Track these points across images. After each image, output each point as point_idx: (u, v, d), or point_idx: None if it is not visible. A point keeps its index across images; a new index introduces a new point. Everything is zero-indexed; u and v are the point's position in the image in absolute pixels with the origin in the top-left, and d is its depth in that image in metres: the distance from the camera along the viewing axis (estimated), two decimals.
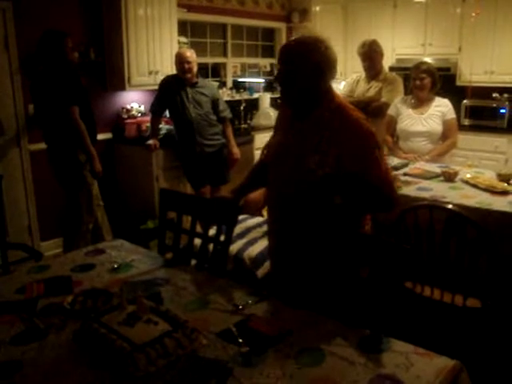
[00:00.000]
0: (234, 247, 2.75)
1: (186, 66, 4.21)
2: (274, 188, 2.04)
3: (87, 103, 3.75)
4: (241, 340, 1.50)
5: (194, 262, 2.40)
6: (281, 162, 1.97)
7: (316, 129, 1.87)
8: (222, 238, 2.26)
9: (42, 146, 3.89)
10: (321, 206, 1.90)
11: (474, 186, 3.14)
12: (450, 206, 2.51)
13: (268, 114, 6.01)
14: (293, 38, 1.97)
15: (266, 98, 6.27)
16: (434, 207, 2.52)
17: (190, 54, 4.28)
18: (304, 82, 1.86)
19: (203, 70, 5.79)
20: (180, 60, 4.24)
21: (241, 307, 1.72)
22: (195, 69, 4.31)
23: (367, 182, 1.82)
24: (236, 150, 4.57)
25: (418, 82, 3.87)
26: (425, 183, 3.25)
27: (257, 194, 2.80)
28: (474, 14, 3.87)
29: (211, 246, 2.34)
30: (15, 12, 4.01)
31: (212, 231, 2.38)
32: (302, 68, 1.83)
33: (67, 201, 3.86)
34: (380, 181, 1.84)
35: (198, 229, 2.43)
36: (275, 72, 6.89)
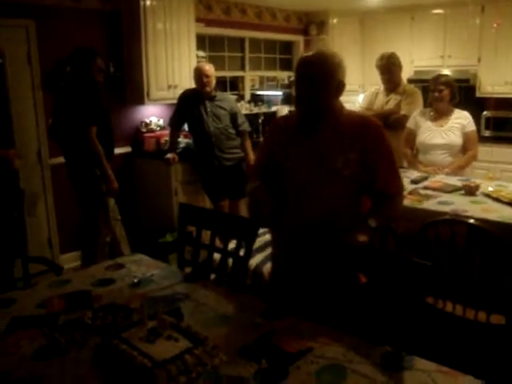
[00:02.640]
0: (253, 261, 2.74)
1: (205, 79, 4.25)
2: (294, 197, 2.01)
3: (107, 122, 3.80)
4: (261, 357, 1.49)
5: (213, 276, 2.40)
6: (300, 173, 1.95)
7: (335, 131, 1.91)
8: (242, 252, 2.26)
9: (62, 159, 3.95)
10: (348, 212, 1.91)
11: (497, 199, 3.09)
12: (471, 221, 2.48)
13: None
14: (310, 53, 1.92)
15: (284, 111, 6.28)
16: (456, 222, 2.48)
17: (209, 67, 4.32)
18: (328, 99, 1.89)
19: (221, 83, 5.83)
20: (199, 74, 4.28)
21: (261, 323, 1.71)
22: (214, 82, 4.35)
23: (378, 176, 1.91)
24: None
25: (436, 94, 3.85)
26: (445, 197, 3.20)
27: None
28: (495, 25, 3.82)
29: (230, 261, 2.34)
30: (38, 28, 4.10)
31: (231, 245, 2.37)
32: (328, 86, 1.86)
33: (84, 214, 3.91)
34: (392, 171, 1.95)
35: (217, 243, 2.43)
36: (294, 86, 6.93)
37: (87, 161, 3.71)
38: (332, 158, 1.88)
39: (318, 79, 1.84)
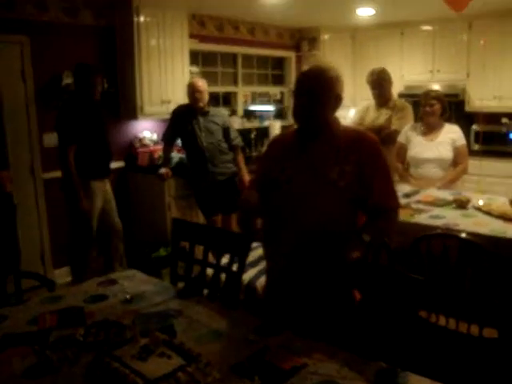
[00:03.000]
0: (246, 276, 2.74)
1: (198, 95, 4.27)
2: (290, 209, 2.02)
3: (99, 138, 3.82)
4: (255, 374, 1.49)
5: (206, 291, 2.39)
6: (297, 185, 1.96)
7: (331, 144, 1.94)
8: (235, 267, 2.26)
9: (55, 174, 3.95)
10: (344, 223, 1.94)
11: (487, 213, 3.12)
12: (463, 235, 2.49)
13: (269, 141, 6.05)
14: (309, 68, 1.97)
15: (276, 126, 6.32)
16: (448, 236, 2.50)
17: (202, 83, 4.34)
18: (326, 112, 1.93)
19: (214, 98, 5.86)
20: (192, 90, 4.30)
21: (254, 340, 1.71)
22: (206, 98, 4.37)
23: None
24: (247, 178, 4.58)
25: (427, 109, 3.89)
26: (437, 211, 3.23)
27: None
28: (482, 42, 3.89)
29: (223, 276, 2.34)
30: (32, 45, 4.12)
31: (224, 260, 2.37)
32: (326, 100, 1.91)
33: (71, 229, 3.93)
34: (388, 186, 1.97)
35: (210, 258, 2.43)
36: (286, 101, 6.98)
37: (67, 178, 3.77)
38: (327, 170, 1.91)
39: (316, 92, 1.89)
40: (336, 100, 1.93)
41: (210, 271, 2.41)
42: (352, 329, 1.85)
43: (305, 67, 2.01)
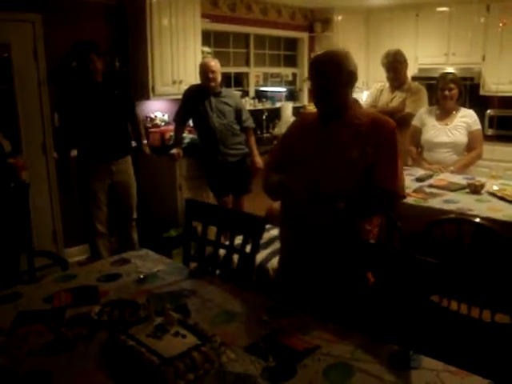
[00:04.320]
0: (258, 257, 2.74)
1: (211, 75, 4.24)
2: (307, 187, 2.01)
3: (102, 120, 3.75)
4: (269, 354, 1.50)
5: (218, 272, 2.40)
6: (316, 163, 1.99)
7: (351, 126, 1.99)
8: (248, 248, 2.26)
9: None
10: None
11: (502, 198, 3.09)
12: (477, 220, 2.48)
13: (290, 123, 6.01)
14: (320, 52, 2.07)
15: (288, 108, 6.27)
16: (462, 221, 2.48)
17: (215, 63, 4.31)
18: (340, 90, 1.99)
19: (226, 79, 5.82)
20: (204, 70, 4.27)
21: (268, 321, 1.71)
22: (219, 78, 4.34)
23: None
24: (259, 160, 4.57)
25: (446, 93, 3.82)
26: (451, 195, 3.20)
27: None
28: (501, 25, 3.81)
29: (236, 257, 2.34)
30: (44, 23, 4.09)
31: (237, 241, 2.37)
32: (339, 77, 1.96)
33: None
34: (394, 170, 1.97)
35: (222, 239, 2.43)
36: (298, 82, 6.92)
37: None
38: (348, 150, 1.94)
39: (327, 71, 1.96)
40: (349, 76, 1.99)
41: (222, 252, 2.42)
42: (365, 311, 1.85)
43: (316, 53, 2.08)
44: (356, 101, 2.09)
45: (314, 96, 2.05)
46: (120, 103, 3.90)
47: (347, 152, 1.94)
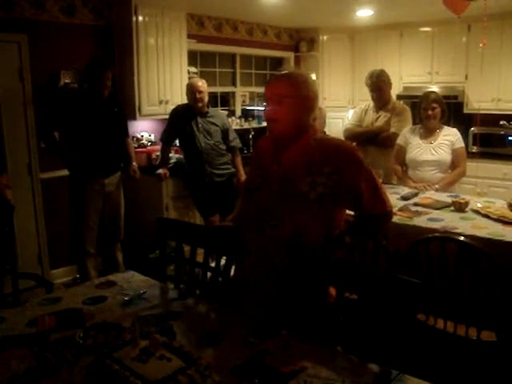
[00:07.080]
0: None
1: (198, 95, 4.27)
2: (254, 219, 1.98)
3: (100, 138, 3.79)
4: (255, 377, 1.49)
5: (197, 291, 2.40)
6: (266, 193, 1.93)
7: (304, 154, 1.89)
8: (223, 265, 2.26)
9: (53, 174, 3.93)
10: (316, 233, 1.90)
11: (486, 216, 3.12)
12: (461, 238, 2.50)
13: None
14: (277, 75, 1.98)
15: None
16: (446, 239, 2.51)
17: (202, 83, 4.34)
18: (295, 116, 1.89)
19: (213, 99, 5.86)
20: (192, 90, 4.30)
21: (253, 342, 1.71)
22: (206, 98, 4.37)
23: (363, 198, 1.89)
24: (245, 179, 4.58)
25: (429, 112, 3.87)
26: (435, 213, 3.23)
27: None
28: (481, 45, 3.89)
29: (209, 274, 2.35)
30: (30, 43, 4.10)
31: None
32: (295, 101, 1.87)
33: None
34: (376, 192, 1.91)
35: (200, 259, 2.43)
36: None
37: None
38: (298, 182, 1.86)
39: (280, 98, 1.87)
40: (305, 101, 1.88)
41: (198, 271, 2.42)
42: (325, 325, 1.85)
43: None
44: (311, 126, 1.97)
45: (265, 118, 1.96)
46: (118, 121, 3.94)
47: (297, 183, 1.85)
